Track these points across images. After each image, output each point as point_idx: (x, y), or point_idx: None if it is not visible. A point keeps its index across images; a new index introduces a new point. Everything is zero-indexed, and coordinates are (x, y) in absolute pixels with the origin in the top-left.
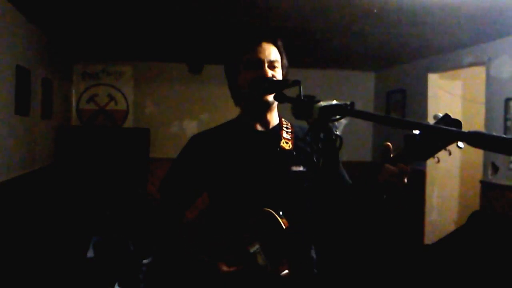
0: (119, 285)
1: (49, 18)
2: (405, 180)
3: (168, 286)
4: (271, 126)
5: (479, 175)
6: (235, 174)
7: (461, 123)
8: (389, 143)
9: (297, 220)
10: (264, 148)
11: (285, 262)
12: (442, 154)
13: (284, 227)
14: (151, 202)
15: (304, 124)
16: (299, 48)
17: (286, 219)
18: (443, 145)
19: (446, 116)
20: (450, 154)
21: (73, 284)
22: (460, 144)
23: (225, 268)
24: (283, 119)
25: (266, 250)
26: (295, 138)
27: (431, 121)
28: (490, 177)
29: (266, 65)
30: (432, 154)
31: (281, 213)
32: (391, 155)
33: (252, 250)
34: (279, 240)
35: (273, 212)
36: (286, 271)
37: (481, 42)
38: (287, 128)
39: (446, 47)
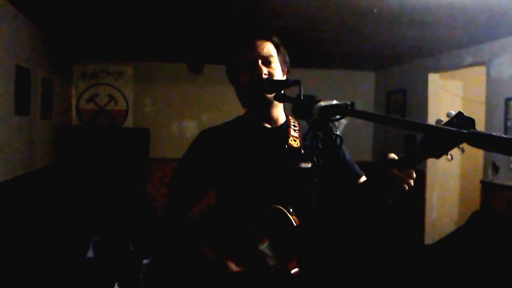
0: (119, 285)
1: (49, 18)
2: (412, 184)
3: (168, 286)
4: (278, 124)
5: (479, 175)
6: (243, 171)
7: (474, 121)
8: (393, 155)
9: (305, 217)
10: (272, 145)
11: (294, 260)
12: (454, 151)
13: (294, 224)
14: (151, 202)
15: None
16: (299, 48)
17: (296, 216)
18: (457, 143)
19: (460, 114)
20: (463, 151)
21: (73, 284)
22: None
23: (233, 267)
24: (290, 117)
25: (276, 247)
26: (302, 136)
27: (444, 118)
28: (490, 177)
29: (260, 61)
30: (445, 151)
31: (291, 210)
32: (398, 158)
33: (261, 247)
34: (290, 237)
35: (283, 209)
36: (296, 269)
37: (481, 42)
38: (294, 126)
39: (446, 47)
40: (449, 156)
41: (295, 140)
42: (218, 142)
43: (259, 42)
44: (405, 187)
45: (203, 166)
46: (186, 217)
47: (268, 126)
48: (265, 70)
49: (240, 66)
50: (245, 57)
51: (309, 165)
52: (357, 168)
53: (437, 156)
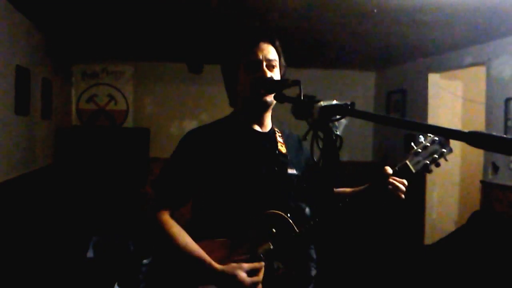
0: (119, 285)
1: (49, 18)
2: (405, 191)
3: (168, 286)
4: (268, 129)
5: (479, 175)
6: (236, 174)
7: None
8: (388, 168)
9: (299, 222)
10: (264, 149)
11: (295, 264)
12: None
13: (297, 230)
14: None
15: (289, 129)
16: (299, 48)
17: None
18: (436, 158)
19: None
20: (439, 165)
21: (73, 284)
22: (446, 157)
23: (245, 278)
24: (273, 124)
25: (278, 253)
26: (286, 143)
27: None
28: (490, 177)
29: (264, 65)
30: (429, 166)
31: (289, 214)
32: (394, 169)
33: (261, 251)
34: (292, 242)
35: (284, 214)
36: (295, 273)
37: (481, 42)
38: (278, 132)
39: (446, 47)
40: (429, 170)
41: (282, 146)
42: (206, 142)
43: (264, 45)
44: (400, 196)
45: (191, 167)
46: (171, 218)
47: (259, 129)
48: (268, 73)
49: (243, 66)
50: (249, 58)
51: (295, 171)
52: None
53: (428, 171)
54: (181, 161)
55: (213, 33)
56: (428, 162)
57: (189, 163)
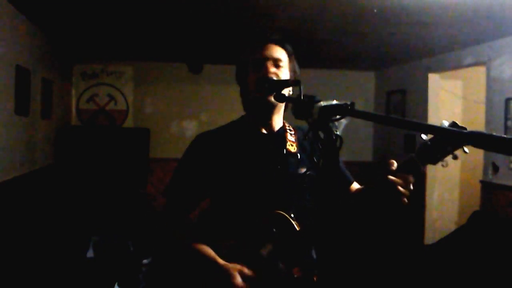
0: (119, 285)
1: (49, 18)
2: (411, 188)
3: (168, 286)
4: (275, 129)
5: (479, 175)
6: (243, 177)
7: (466, 129)
8: (393, 162)
9: (305, 221)
10: (271, 151)
11: (298, 264)
12: (447, 158)
13: (297, 229)
14: (151, 202)
15: (305, 124)
16: (299, 48)
17: (297, 221)
18: (451, 150)
19: (453, 124)
20: (456, 158)
21: (73, 284)
22: (466, 149)
23: (238, 279)
24: (285, 122)
25: (280, 253)
26: (298, 140)
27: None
28: (490, 177)
29: (269, 62)
30: (441, 158)
31: (292, 215)
32: (397, 164)
33: (265, 252)
34: (293, 242)
35: (285, 214)
36: (300, 273)
37: (481, 42)
38: (290, 130)
39: (446, 47)
40: (444, 163)
41: (292, 145)
42: (215, 147)
43: (272, 46)
44: (404, 192)
45: (201, 172)
46: (185, 223)
47: (265, 131)
48: (272, 69)
49: (250, 66)
50: (255, 56)
51: (305, 169)
52: (349, 174)
53: (434, 162)
54: (191, 166)
55: (213, 33)
56: (439, 155)
57: (198, 168)
